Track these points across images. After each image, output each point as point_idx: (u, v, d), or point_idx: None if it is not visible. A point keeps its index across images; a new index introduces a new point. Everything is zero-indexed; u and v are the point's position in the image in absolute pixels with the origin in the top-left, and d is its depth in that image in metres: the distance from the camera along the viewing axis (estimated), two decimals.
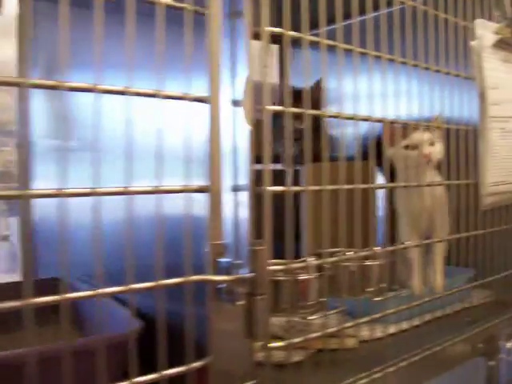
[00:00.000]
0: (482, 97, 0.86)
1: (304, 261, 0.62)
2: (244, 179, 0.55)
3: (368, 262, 0.71)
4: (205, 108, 0.53)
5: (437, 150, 0.89)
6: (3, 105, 1.26)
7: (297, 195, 0.62)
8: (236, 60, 0.54)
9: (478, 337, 0.92)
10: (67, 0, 0.45)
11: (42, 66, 1.03)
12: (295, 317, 0.65)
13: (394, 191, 0.84)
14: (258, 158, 0.83)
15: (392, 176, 0.85)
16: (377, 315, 0.72)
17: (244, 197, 0.55)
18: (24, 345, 0.47)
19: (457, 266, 0.87)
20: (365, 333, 0.76)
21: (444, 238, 0.83)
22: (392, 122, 0.75)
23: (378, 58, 0.71)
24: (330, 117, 0.67)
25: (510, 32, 0.89)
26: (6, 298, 0.42)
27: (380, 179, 0.99)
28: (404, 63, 0.75)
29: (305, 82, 0.63)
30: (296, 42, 0.63)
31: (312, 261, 0.61)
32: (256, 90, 0.57)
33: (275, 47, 1.42)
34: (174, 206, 0.54)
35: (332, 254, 0.68)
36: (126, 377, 0.49)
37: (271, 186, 0.58)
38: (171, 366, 0.53)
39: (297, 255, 0.67)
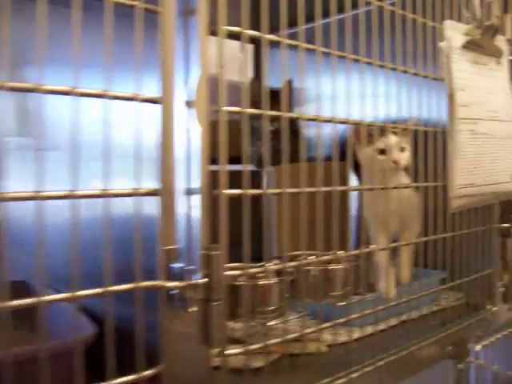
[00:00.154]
0: (451, 98, 0.85)
1: (263, 265, 0.60)
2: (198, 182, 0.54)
3: (331, 266, 0.70)
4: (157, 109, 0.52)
5: (405, 157, 0.89)
6: None
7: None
8: (190, 60, 0.53)
9: (447, 340, 0.91)
10: None
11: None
12: (255, 322, 0.63)
13: (360, 194, 0.83)
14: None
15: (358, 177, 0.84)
16: (341, 320, 0.71)
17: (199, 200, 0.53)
18: None
19: (425, 267, 0.86)
20: (329, 337, 0.74)
21: (411, 241, 0.82)
22: (358, 124, 0.73)
23: (342, 58, 0.70)
24: (292, 117, 0.65)
25: (480, 33, 0.89)
26: None
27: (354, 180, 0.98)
28: (369, 63, 0.74)
29: (267, 83, 0.62)
30: (272, 43, 0.62)
31: (271, 265, 0.60)
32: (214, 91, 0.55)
33: (250, 47, 1.40)
34: (130, 207, 0.53)
35: (295, 258, 0.67)
36: None
37: (228, 188, 0.57)
38: (124, 373, 0.51)
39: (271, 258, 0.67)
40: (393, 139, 0.87)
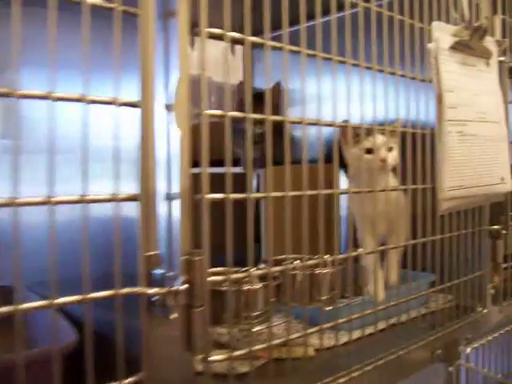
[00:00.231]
0: (439, 100, 0.84)
1: (247, 270, 0.59)
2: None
3: (318, 270, 0.69)
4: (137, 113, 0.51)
5: (393, 156, 0.88)
6: None
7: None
8: (170, 62, 0.52)
9: (436, 343, 0.91)
10: None
11: None
12: (240, 327, 0.63)
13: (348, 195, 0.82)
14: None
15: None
16: (328, 324, 0.70)
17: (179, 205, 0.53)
18: None
19: (413, 270, 0.86)
20: (316, 341, 0.74)
21: (399, 245, 0.82)
22: (345, 126, 0.73)
23: (328, 60, 0.69)
24: (275, 120, 0.64)
25: (469, 34, 0.88)
26: None
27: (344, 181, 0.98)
28: (356, 65, 0.73)
29: (250, 84, 0.61)
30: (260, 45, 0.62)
31: (254, 270, 0.59)
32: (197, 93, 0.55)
33: (239, 48, 1.39)
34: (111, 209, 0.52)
35: (281, 262, 0.66)
36: None
37: (215, 191, 0.56)
38: (106, 381, 0.51)
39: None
40: (380, 138, 0.86)
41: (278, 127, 0.67)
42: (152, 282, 0.53)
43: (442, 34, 0.86)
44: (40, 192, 0.46)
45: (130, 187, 0.52)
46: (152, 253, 0.53)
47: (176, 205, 0.53)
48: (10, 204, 0.44)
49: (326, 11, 0.69)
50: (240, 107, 1.16)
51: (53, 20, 0.46)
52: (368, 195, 0.74)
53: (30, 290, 0.75)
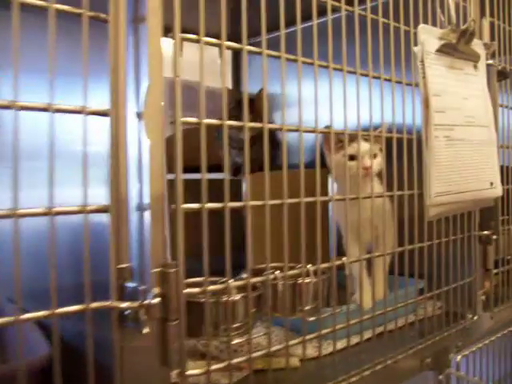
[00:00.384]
0: (426, 104, 0.83)
1: (225, 281, 0.58)
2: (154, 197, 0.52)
3: (300, 280, 0.68)
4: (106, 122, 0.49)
5: (377, 163, 0.87)
6: None
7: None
8: (140, 69, 0.50)
9: (426, 351, 0.89)
10: None
11: None
12: (219, 340, 0.61)
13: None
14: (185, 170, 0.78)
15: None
16: (311, 335, 0.68)
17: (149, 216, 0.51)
18: None
19: (401, 275, 0.84)
20: (301, 351, 0.72)
21: (387, 252, 0.80)
22: (327, 133, 0.71)
23: (310, 64, 0.68)
24: (254, 127, 0.63)
25: (456, 37, 0.87)
26: None
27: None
28: (339, 69, 0.72)
29: (226, 90, 0.59)
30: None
31: (233, 281, 0.58)
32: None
33: (229, 53, 1.38)
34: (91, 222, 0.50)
35: (262, 271, 0.65)
36: None
37: (206, 196, 0.55)
38: None
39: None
40: (364, 146, 0.84)
41: (261, 134, 0.66)
42: (124, 295, 0.51)
43: (429, 37, 0.84)
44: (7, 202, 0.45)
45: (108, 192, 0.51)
46: (124, 265, 0.51)
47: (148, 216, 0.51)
48: None
49: (309, 16, 0.68)
50: (228, 113, 1.15)
51: (16, 26, 0.44)
52: (352, 202, 0.73)
53: (12, 302, 0.73)
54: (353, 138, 0.77)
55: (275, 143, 1.09)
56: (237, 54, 1.48)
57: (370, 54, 0.75)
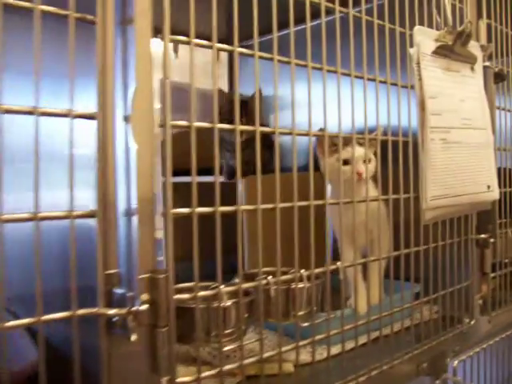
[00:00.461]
0: (422, 106, 0.82)
1: (216, 287, 0.57)
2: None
3: (293, 285, 0.67)
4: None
5: (371, 168, 0.86)
6: None
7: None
8: (128, 72, 0.50)
9: (422, 356, 0.88)
10: None
11: None
12: (211, 346, 0.60)
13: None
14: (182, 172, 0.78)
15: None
16: (305, 341, 0.68)
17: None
18: None
19: (397, 279, 0.83)
20: (295, 357, 0.71)
21: (382, 257, 0.79)
22: (321, 136, 0.70)
23: (304, 67, 0.67)
24: (244, 130, 0.62)
25: (452, 39, 0.86)
26: None
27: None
28: (333, 72, 0.71)
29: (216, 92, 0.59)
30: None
31: (224, 287, 0.57)
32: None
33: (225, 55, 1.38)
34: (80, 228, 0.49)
35: (255, 276, 0.64)
36: None
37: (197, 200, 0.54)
38: None
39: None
40: (358, 150, 0.83)
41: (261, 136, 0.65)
42: (112, 301, 0.51)
43: (424, 39, 0.83)
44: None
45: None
46: (112, 271, 0.50)
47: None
48: None
49: (303, 18, 0.67)
50: (220, 115, 1.14)
51: (0, 27, 0.43)
52: (346, 205, 0.72)
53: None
54: (347, 141, 0.76)
55: (271, 146, 1.08)
56: (232, 56, 1.47)
57: (365, 56, 0.74)
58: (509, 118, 1.07)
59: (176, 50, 1.25)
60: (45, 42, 0.48)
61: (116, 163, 0.50)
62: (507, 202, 1.06)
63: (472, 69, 0.92)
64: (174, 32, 0.53)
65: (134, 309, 0.49)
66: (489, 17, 1.00)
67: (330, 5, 0.70)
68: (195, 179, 0.55)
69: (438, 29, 0.86)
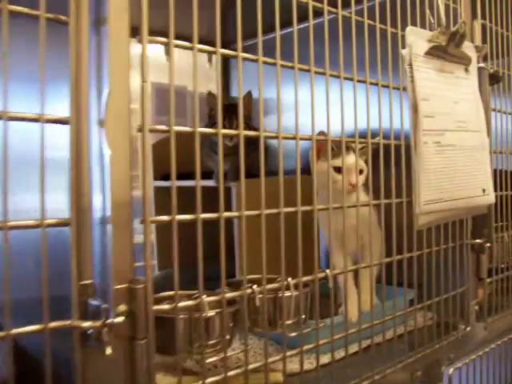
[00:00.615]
0: (414, 108, 0.80)
1: (198, 297, 0.55)
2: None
3: (281, 293, 0.65)
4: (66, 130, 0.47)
5: (362, 178, 0.85)
6: None
7: None
8: (103, 75, 0.48)
9: (416, 364, 0.86)
10: None
11: None
12: (193, 358, 0.58)
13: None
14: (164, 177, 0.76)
15: None
16: (294, 351, 0.65)
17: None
18: None
19: (389, 285, 0.81)
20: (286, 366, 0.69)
21: (374, 263, 0.77)
22: (315, 139, 0.68)
23: (290, 68, 0.65)
24: (228, 134, 0.60)
25: (445, 39, 0.84)
26: None
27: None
28: (321, 74, 0.69)
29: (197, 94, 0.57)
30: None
31: (205, 297, 0.55)
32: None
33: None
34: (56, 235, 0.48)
35: (240, 285, 0.62)
36: None
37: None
38: None
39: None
40: (351, 160, 0.81)
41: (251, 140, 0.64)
42: (87, 313, 0.49)
43: (417, 40, 0.81)
44: None
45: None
46: (86, 282, 0.48)
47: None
48: None
49: (289, 21, 0.65)
50: (209, 119, 1.12)
51: None
52: (336, 210, 0.70)
53: None
54: (339, 149, 0.74)
55: (265, 149, 1.06)
56: (226, 59, 1.45)
57: (355, 57, 0.72)
58: (504, 120, 1.05)
59: (167, 53, 1.24)
60: (17, 43, 0.46)
61: (91, 169, 0.48)
62: (504, 205, 1.04)
63: (466, 70, 0.89)
64: (162, 34, 0.52)
65: (109, 321, 0.47)
66: (483, 17, 0.98)
67: (318, 4, 0.68)
68: (174, 184, 0.53)
69: (431, 29, 0.84)
